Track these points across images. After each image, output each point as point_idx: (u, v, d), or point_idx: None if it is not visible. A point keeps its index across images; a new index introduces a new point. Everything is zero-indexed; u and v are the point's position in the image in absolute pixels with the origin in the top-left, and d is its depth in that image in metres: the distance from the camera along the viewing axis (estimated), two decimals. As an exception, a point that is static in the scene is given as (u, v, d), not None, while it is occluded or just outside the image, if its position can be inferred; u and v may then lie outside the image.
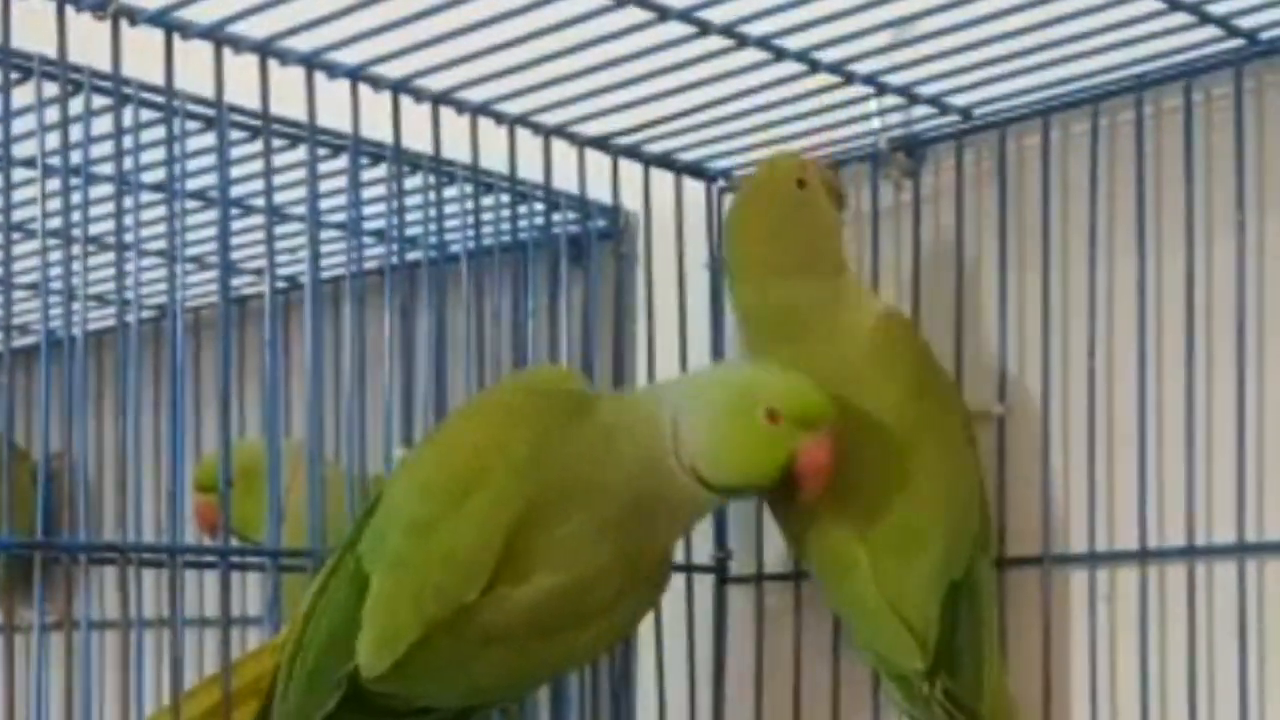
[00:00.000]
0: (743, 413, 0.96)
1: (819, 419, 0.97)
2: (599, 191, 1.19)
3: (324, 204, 1.09)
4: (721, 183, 1.21)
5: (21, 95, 0.96)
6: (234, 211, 1.10)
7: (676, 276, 1.19)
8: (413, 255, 1.13)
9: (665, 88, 1.07)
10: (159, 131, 0.99)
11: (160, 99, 0.99)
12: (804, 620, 1.16)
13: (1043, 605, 1.07)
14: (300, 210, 1.09)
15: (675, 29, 0.98)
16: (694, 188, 1.20)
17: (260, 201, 1.08)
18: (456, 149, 1.12)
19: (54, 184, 0.97)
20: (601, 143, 1.17)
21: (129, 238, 0.98)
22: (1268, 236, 1.01)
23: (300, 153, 1.06)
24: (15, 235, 1.01)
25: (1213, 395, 1.02)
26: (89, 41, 0.96)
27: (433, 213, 1.13)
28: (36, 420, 0.96)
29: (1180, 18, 0.97)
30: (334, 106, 1.06)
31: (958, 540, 1.03)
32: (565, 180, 1.17)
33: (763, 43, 1.01)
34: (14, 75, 0.95)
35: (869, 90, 1.08)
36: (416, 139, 1.10)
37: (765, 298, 1.07)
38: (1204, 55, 1.01)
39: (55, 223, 0.97)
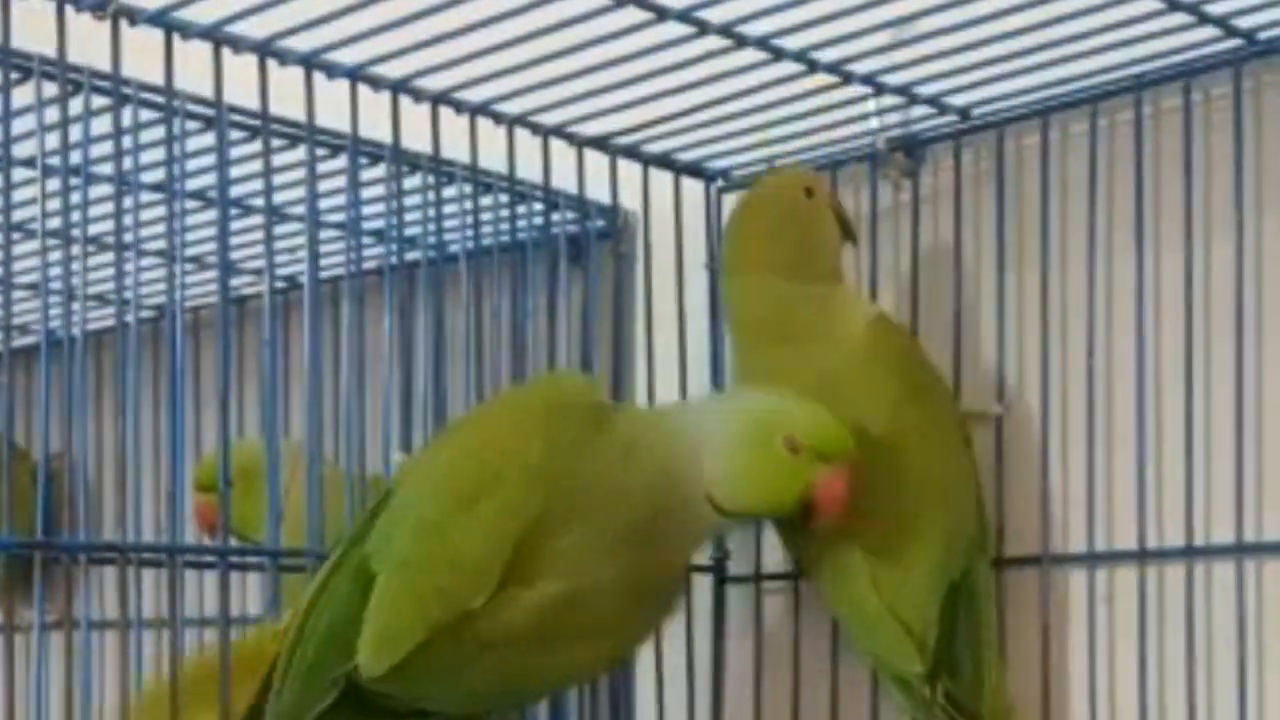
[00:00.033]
0: (762, 442, 0.97)
1: (838, 451, 0.97)
2: (598, 191, 1.19)
3: (323, 204, 1.09)
4: (720, 182, 1.21)
5: (21, 95, 0.96)
6: (233, 211, 1.10)
7: (675, 276, 1.19)
8: (412, 255, 1.13)
9: (664, 88, 1.07)
10: (158, 131, 1.00)
11: (160, 99, 0.99)
12: (802, 621, 1.16)
13: (1041, 605, 1.07)
14: (299, 210, 1.09)
15: (674, 29, 0.98)
16: (693, 187, 1.21)
17: (259, 201, 1.08)
18: (455, 149, 1.12)
19: (54, 184, 0.97)
20: (600, 143, 1.17)
21: (128, 238, 0.98)
22: (1266, 236, 1.01)
23: (299, 153, 1.06)
24: (15, 235, 1.01)
25: (1211, 395, 1.02)
26: (89, 41, 0.96)
27: (432, 213, 1.14)
28: (36, 420, 0.96)
29: (1179, 18, 0.97)
30: (333, 106, 1.06)
31: (955, 542, 1.03)
32: (564, 180, 1.17)
33: (761, 43, 1.01)
34: (14, 75, 0.95)
35: (867, 90, 1.09)
36: (415, 139, 1.10)
37: (759, 296, 1.07)
38: (1203, 55, 1.01)
39: (55, 223, 0.97)
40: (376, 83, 1.06)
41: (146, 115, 0.99)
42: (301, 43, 1.01)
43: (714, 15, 0.97)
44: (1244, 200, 1.00)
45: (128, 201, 0.98)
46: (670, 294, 1.19)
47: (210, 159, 1.04)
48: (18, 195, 0.99)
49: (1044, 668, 1.06)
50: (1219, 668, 1.01)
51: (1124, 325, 1.05)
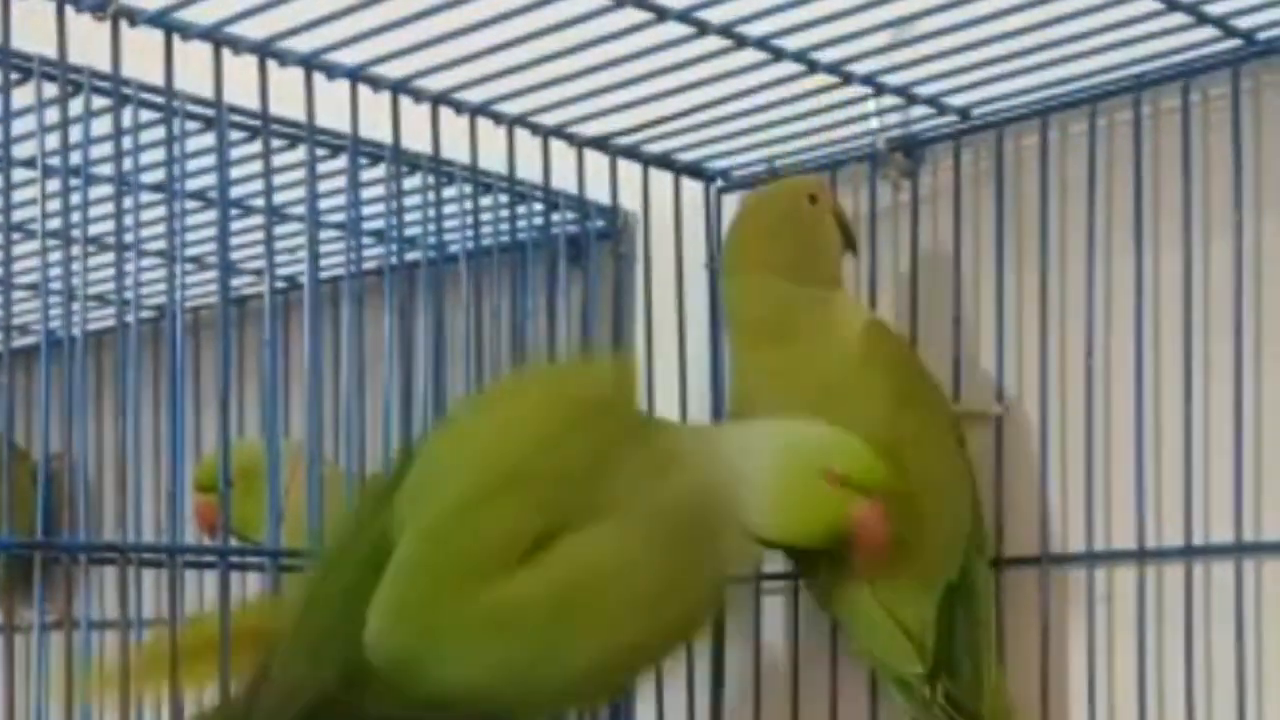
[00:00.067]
0: (802, 471, 0.96)
1: (877, 484, 0.96)
2: (597, 192, 1.19)
3: (323, 204, 1.09)
4: (720, 183, 1.21)
5: (21, 96, 0.96)
6: (233, 212, 1.10)
7: (675, 276, 1.19)
8: (412, 255, 1.13)
9: (664, 88, 1.07)
10: (159, 132, 1.00)
11: (160, 99, 0.99)
12: (801, 621, 1.16)
13: (1041, 605, 1.07)
14: (299, 210, 1.09)
15: (674, 29, 0.98)
16: (692, 188, 1.21)
17: (260, 202, 1.08)
18: (455, 149, 1.12)
19: (54, 184, 0.97)
20: (600, 143, 1.17)
21: (129, 238, 0.98)
22: (1265, 236, 1.01)
23: (299, 153, 1.06)
24: (15, 235, 1.02)
25: (1210, 395, 1.02)
26: (89, 42, 0.96)
27: (432, 213, 1.14)
28: (36, 420, 0.96)
29: (1178, 18, 0.97)
30: (333, 107, 1.06)
31: (951, 543, 1.03)
32: (564, 180, 1.17)
33: (761, 43, 1.01)
34: (14, 76, 0.95)
35: (867, 90, 1.09)
36: (415, 139, 1.10)
37: (758, 297, 1.07)
38: (1202, 55, 1.01)
39: (55, 223, 0.97)
40: (376, 83, 1.07)
41: (146, 115, 0.99)
42: (301, 43, 1.01)
43: (714, 15, 0.97)
44: (1243, 200, 1.00)
45: (128, 202, 0.98)
46: (670, 294, 1.19)
47: (210, 159, 1.04)
48: (18, 195, 1.00)
49: (1043, 667, 1.06)
50: (1218, 667, 1.01)
51: (1123, 324, 1.05)
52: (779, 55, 1.02)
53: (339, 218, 1.16)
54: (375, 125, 1.08)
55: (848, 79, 1.06)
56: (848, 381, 1.04)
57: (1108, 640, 1.06)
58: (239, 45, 1.00)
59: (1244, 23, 0.98)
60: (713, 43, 1.00)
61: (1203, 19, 0.97)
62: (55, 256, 0.97)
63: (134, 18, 0.96)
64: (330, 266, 1.19)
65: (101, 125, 0.98)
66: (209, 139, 1.02)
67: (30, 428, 1.13)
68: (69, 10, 0.95)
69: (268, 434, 1.03)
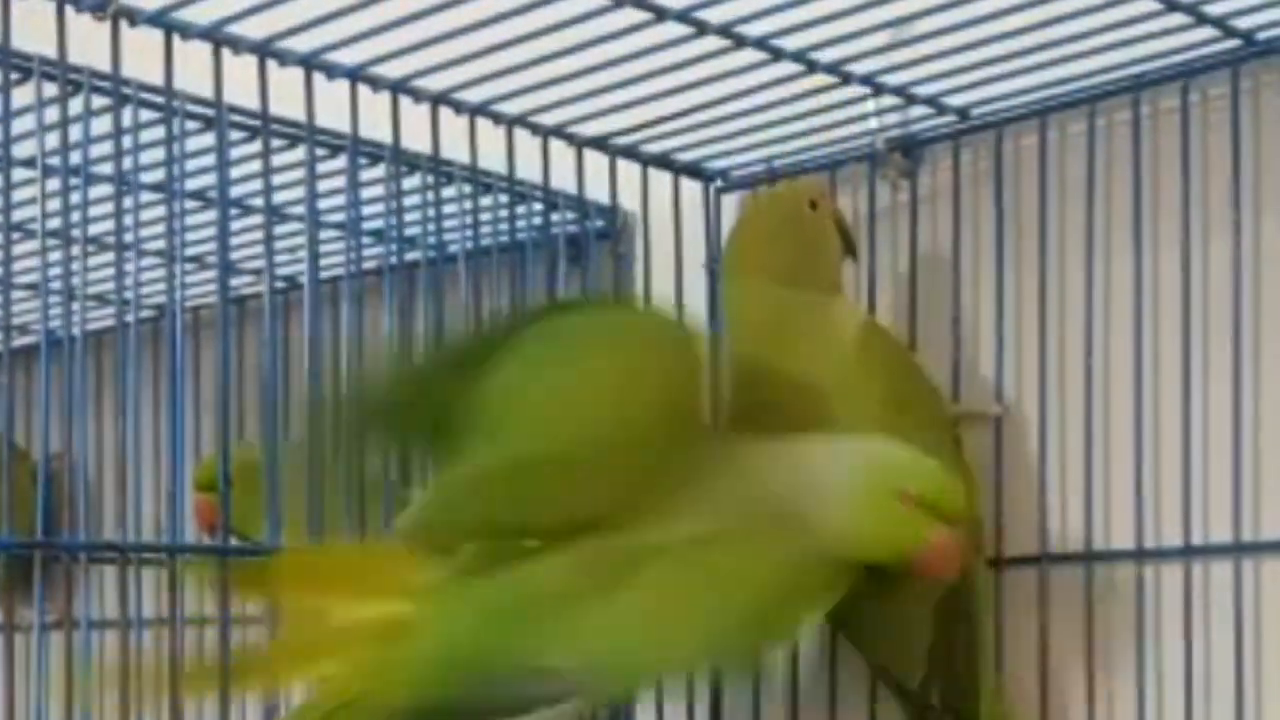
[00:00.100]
0: (876, 489, 0.93)
1: (953, 510, 0.94)
2: (597, 192, 1.19)
3: (323, 204, 1.09)
4: (719, 183, 1.21)
5: (21, 95, 0.96)
6: (233, 211, 1.10)
7: (674, 276, 1.19)
8: (411, 255, 1.13)
9: (663, 88, 1.07)
10: (158, 132, 1.00)
11: (160, 99, 0.99)
12: (801, 620, 1.16)
13: (1040, 605, 1.07)
14: (299, 210, 1.09)
15: (673, 29, 0.99)
16: (691, 188, 1.21)
17: (259, 201, 1.08)
18: (455, 149, 1.12)
19: (53, 184, 0.97)
20: (599, 143, 1.17)
21: (128, 238, 0.98)
22: (1264, 237, 1.01)
23: (299, 153, 1.06)
24: (15, 235, 1.01)
25: (1209, 395, 1.02)
26: (89, 42, 0.96)
27: (431, 213, 1.14)
28: (36, 420, 0.96)
29: (1177, 18, 0.97)
30: (333, 107, 1.06)
31: None
32: (563, 180, 1.17)
33: (760, 43, 1.01)
34: (14, 75, 0.95)
35: (866, 90, 1.09)
36: (415, 139, 1.10)
37: (756, 300, 1.07)
38: (1201, 55, 1.01)
39: (55, 223, 0.97)
40: (376, 83, 1.07)
41: (146, 115, 0.99)
42: (301, 43, 1.01)
43: (713, 15, 0.97)
44: (1242, 200, 1.01)
45: (128, 201, 0.98)
46: (669, 294, 1.19)
47: (210, 159, 1.04)
48: (17, 195, 0.99)
49: (1042, 667, 1.06)
50: (1217, 667, 1.01)
51: (1122, 324, 1.05)
52: (778, 55, 1.02)
53: (339, 217, 1.16)
54: (375, 125, 1.08)
55: (847, 79, 1.06)
56: (842, 384, 1.04)
57: (1106, 640, 1.06)
58: (239, 45, 1.00)
59: (1243, 23, 0.98)
60: (712, 43, 1.00)
61: (1202, 19, 0.97)
62: (55, 256, 0.97)
63: (134, 17, 0.96)
64: (330, 266, 1.19)
65: (101, 125, 0.98)
66: (209, 139, 1.02)
67: (30, 427, 1.13)
68: (69, 10, 0.95)
69: (267, 434, 1.03)
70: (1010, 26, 0.99)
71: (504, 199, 1.16)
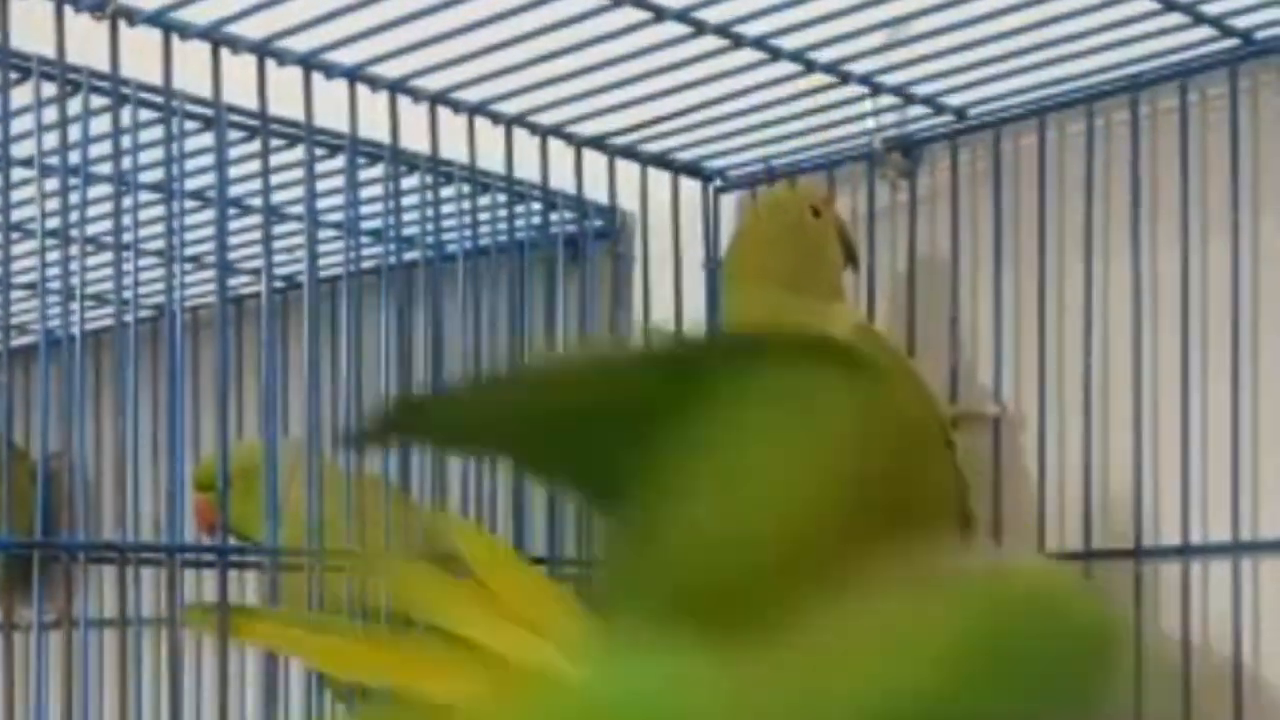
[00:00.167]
0: None
1: None
2: (596, 191, 1.19)
3: (321, 204, 1.09)
4: (718, 182, 1.21)
5: (20, 95, 0.96)
6: (232, 211, 1.11)
7: (673, 276, 1.19)
8: (410, 255, 1.13)
9: (661, 88, 1.07)
10: (157, 131, 1.00)
11: (158, 99, 0.99)
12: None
13: (1038, 603, 1.07)
14: (298, 210, 1.09)
15: (671, 29, 0.99)
16: (690, 187, 1.21)
17: (258, 201, 1.08)
18: (454, 149, 1.12)
19: (52, 184, 0.97)
20: (598, 142, 1.17)
21: (127, 238, 0.98)
22: (1262, 236, 1.01)
23: (298, 152, 1.06)
24: (14, 235, 1.01)
25: (1208, 394, 1.02)
26: (87, 42, 0.96)
27: (430, 212, 1.14)
28: (36, 420, 0.96)
29: (1175, 18, 0.97)
30: (331, 106, 1.06)
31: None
32: (562, 180, 1.17)
33: (758, 43, 1.01)
34: (13, 75, 0.95)
35: (864, 90, 1.09)
36: (414, 139, 1.10)
37: (756, 304, 1.07)
38: (1199, 55, 1.01)
39: (54, 223, 0.97)
40: (375, 83, 1.07)
41: (145, 115, 0.99)
42: (300, 43, 1.01)
43: (711, 15, 0.98)
44: (1240, 200, 1.01)
45: (127, 201, 0.98)
46: (668, 293, 1.19)
47: (209, 159, 1.04)
48: (16, 195, 1.00)
49: (1041, 666, 1.06)
50: (1216, 666, 1.01)
51: (1120, 324, 1.05)
52: (776, 55, 1.02)
53: (337, 217, 1.16)
54: (373, 125, 1.08)
55: (845, 79, 1.06)
56: None
57: (1105, 639, 1.06)
58: (237, 45, 1.00)
59: (1241, 22, 0.98)
60: (710, 42, 1.00)
61: (1200, 19, 0.97)
62: (54, 256, 0.97)
63: (132, 17, 0.96)
64: (329, 266, 1.19)
65: (100, 125, 0.98)
66: (207, 138, 1.02)
67: (29, 427, 1.13)
68: (67, 10, 0.95)
69: (266, 433, 1.03)
70: (1008, 26, 0.99)
71: (503, 199, 1.16)
